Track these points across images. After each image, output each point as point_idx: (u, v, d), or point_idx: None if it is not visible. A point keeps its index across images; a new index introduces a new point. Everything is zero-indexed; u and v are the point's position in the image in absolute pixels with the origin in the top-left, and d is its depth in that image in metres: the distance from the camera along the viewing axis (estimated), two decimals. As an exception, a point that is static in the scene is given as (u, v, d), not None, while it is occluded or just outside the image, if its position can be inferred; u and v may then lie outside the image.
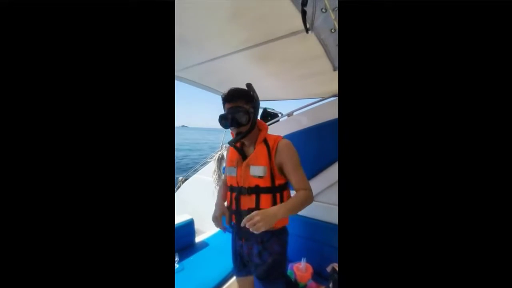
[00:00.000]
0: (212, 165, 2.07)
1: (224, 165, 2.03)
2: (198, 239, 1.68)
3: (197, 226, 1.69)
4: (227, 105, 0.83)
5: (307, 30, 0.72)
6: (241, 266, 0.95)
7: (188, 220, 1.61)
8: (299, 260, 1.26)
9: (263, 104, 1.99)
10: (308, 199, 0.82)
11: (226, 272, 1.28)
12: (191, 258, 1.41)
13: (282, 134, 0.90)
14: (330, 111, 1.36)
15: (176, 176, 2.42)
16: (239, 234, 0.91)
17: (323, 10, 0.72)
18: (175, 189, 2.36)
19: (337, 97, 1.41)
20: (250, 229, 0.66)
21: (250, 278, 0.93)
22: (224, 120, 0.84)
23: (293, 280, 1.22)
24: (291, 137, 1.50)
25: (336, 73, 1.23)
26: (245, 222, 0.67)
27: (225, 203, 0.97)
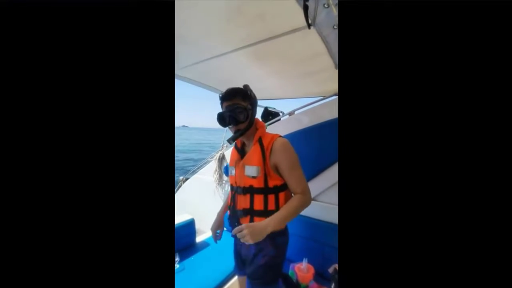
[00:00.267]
0: (213, 165, 2.06)
1: (225, 164, 2.02)
2: (198, 239, 1.68)
3: (197, 226, 1.68)
4: (225, 103, 0.83)
5: (309, 25, 0.71)
6: (241, 265, 0.95)
7: (188, 220, 1.61)
8: (301, 260, 1.25)
9: (264, 103, 1.99)
10: (304, 204, 0.79)
11: (227, 273, 1.27)
12: (192, 258, 1.40)
13: (283, 134, 0.88)
14: (332, 110, 1.35)
15: (176, 176, 2.41)
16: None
17: (325, 6, 0.70)
18: (176, 189, 2.35)
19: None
20: (241, 240, 0.68)
21: None
22: (222, 118, 0.83)
23: (294, 280, 1.20)
24: (293, 136, 1.49)
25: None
26: (235, 233, 0.69)
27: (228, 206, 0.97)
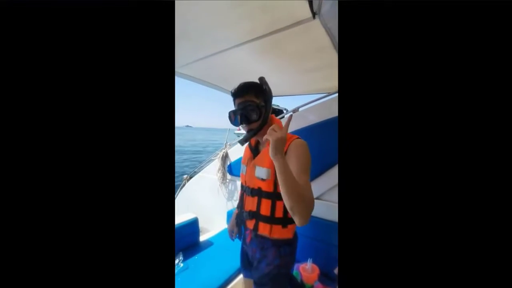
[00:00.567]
0: (216, 163, 2.05)
1: (228, 163, 2.01)
2: (202, 238, 1.67)
3: (201, 224, 1.68)
4: (237, 100, 0.78)
5: (313, 14, 0.67)
6: (247, 266, 0.93)
7: (192, 218, 1.60)
8: (305, 260, 1.23)
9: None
10: (304, 204, 0.58)
11: (231, 272, 1.26)
12: (196, 257, 1.40)
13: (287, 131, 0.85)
14: (336, 106, 1.31)
15: (181, 175, 2.42)
16: (244, 236, 0.90)
17: (330, -4, 0.67)
18: (180, 187, 2.35)
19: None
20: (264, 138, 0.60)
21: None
22: (234, 117, 0.78)
23: (299, 281, 1.18)
24: (297, 134, 1.46)
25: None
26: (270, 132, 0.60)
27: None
